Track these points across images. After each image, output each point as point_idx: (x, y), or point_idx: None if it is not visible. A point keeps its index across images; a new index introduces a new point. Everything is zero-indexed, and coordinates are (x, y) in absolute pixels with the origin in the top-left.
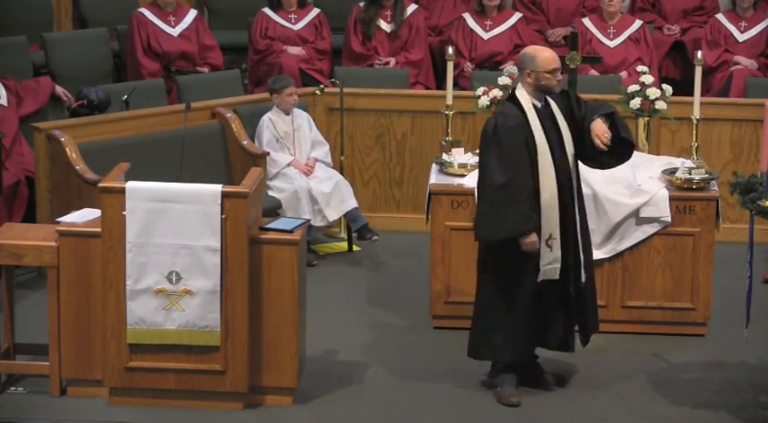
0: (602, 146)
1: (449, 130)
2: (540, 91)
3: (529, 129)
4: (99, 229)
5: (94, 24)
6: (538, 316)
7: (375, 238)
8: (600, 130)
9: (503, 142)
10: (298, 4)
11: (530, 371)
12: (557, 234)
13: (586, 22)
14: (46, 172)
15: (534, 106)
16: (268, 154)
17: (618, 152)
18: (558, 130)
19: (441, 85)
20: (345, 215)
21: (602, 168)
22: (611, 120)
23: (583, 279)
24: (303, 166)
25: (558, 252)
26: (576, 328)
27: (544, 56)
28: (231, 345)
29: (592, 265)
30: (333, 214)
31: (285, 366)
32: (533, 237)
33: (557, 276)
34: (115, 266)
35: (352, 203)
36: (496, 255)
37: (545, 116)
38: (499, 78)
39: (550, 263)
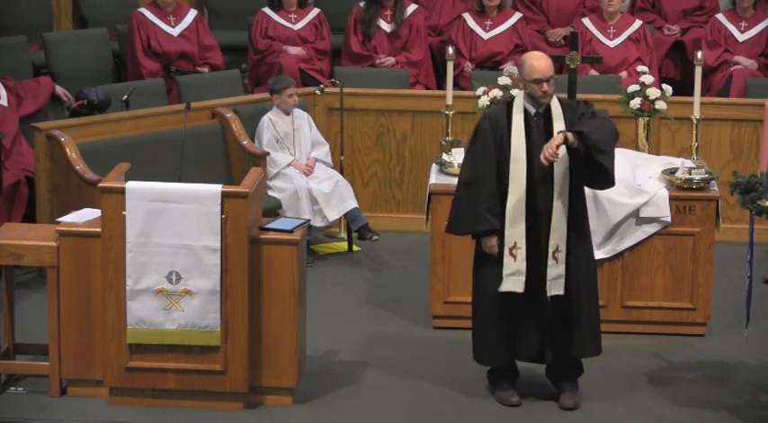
0: (543, 160)
1: (449, 130)
2: (530, 97)
3: (508, 133)
4: (99, 229)
5: (94, 24)
6: (510, 324)
7: (376, 238)
8: (549, 143)
9: (477, 142)
10: (298, 3)
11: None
12: (522, 243)
13: (586, 22)
14: (46, 172)
15: (527, 111)
16: (268, 154)
17: (593, 176)
18: (551, 138)
19: (441, 85)
20: (346, 215)
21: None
22: (582, 138)
23: (552, 293)
24: (303, 167)
25: (522, 264)
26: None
27: (530, 64)
28: (231, 345)
29: (587, 280)
30: (333, 214)
31: (285, 366)
32: (492, 240)
33: (520, 289)
34: (115, 266)
35: (352, 204)
36: (475, 258)
37: (537, 123)
38: (499, 78)
39: (513, 274)
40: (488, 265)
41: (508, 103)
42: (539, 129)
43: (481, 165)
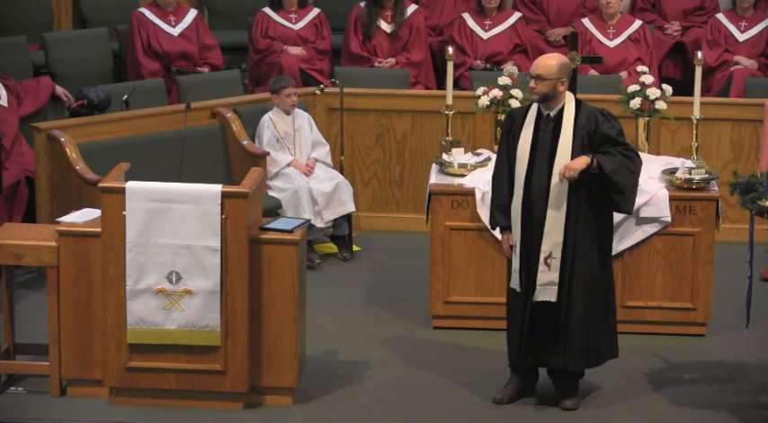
0: (559, 175)
1: (449, 130)
2: None
3: (519, 133)
4: (99, 229)
5: (94, 24)
6: (515, 326)
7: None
8: (571, 164)
9: (501, 139)
10: (298, 3)
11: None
12: (518, 243)
13: (586, 22)
14: (46, 172)
15: (540, 112)
16: (268, 154)
17: (608, 203)
18: (556, 144)
19: (441, 85)
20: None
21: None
22: (602, 175)
23: (540, 298)
24: (303, 167)
25: (517, 262)
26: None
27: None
28: (231, 345)
29: (586, 294)
30: (329, 215)
31: (285, 366)
32: (505, 236)
33: (517, 287)
34: (115, 266)
35: (350, 207)
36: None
37: (547, 126)
38: (499, 78)
39: (515, 270)
40: (509, 265)
41: (534, 102)
42: (547, 131)
43: (498, 162)
